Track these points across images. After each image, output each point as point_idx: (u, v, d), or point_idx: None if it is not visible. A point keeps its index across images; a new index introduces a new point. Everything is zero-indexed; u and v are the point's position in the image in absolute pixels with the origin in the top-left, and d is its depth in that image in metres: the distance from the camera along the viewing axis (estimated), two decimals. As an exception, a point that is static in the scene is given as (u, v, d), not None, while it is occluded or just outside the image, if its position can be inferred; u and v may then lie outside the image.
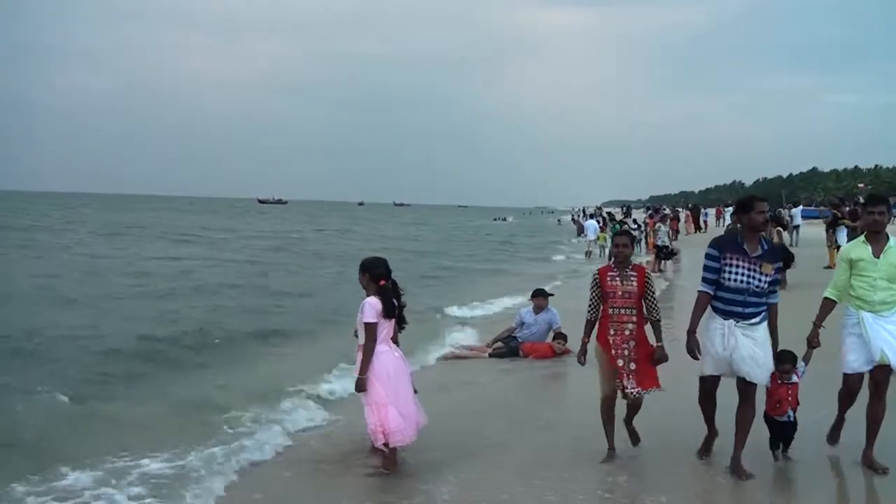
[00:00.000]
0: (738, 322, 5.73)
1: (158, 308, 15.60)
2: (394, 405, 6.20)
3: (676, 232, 34.53)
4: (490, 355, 11.39)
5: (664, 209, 46.74)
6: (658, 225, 26.52)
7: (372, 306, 6.26)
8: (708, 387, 6.06)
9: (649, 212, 45.04)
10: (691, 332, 5.86)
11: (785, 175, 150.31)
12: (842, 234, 22.41)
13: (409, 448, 6.49)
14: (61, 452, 6.81)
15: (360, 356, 6.31)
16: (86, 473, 6.26)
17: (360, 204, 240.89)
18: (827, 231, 22.75)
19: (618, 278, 6.20)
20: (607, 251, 28.68)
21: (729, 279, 5.76)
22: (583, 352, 6.41)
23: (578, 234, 44.48)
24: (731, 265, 5.76)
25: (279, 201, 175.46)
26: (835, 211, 24.39)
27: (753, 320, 5.76)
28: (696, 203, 70.54)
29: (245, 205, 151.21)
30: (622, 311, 6.15)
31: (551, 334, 11.36)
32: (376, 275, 6.42)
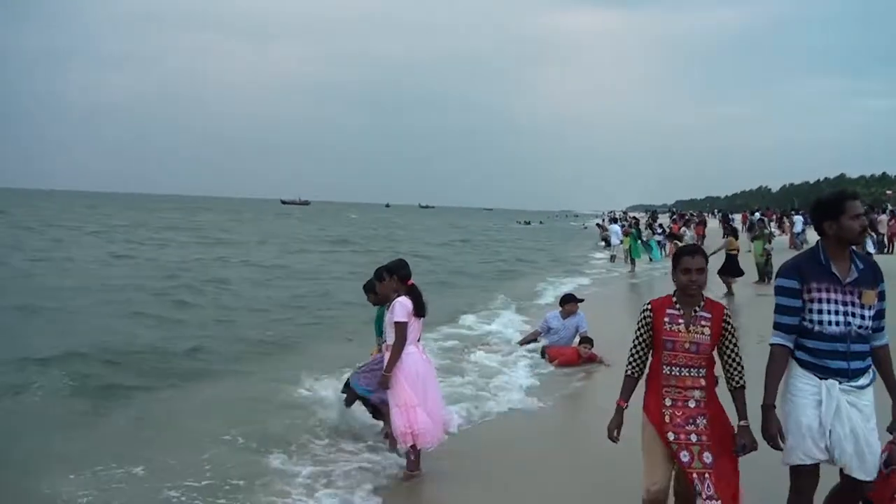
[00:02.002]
0: (841, 383, 3.91)
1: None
2: (422, 407, 6.17)
3: (702, 237, 34.35)
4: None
5: (691, 214, 46.62)
6: (683, 229, 26.42)
7: (403, 305, 6.25)
8: (805, 483, 4.05)
9: (673, 217, 44.90)
10: (769, 407, 3.97)
11: (812, 181, 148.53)
12: (868, 242, 22.37)
13: (432, 453, 6.47)
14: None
15: (387, 355, 6.30)
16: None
17: (387, 206, 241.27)
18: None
19: (682, 321, 4.15)
20: (630, 255, 28.62)
21: (820, 322, 3.95)
22: (617, 422, 4.29)
23: (605, 244, 43.96)
24: (819, 300, 3.97)
25: (304, 202, 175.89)
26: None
27: (861, 381, 3.95)
28: (722, 209, 70.36)
29: (270, 206, 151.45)
30: (686, 371, 4.14)
31: (577, 338, 11.37)
32: (403, 275, 6.45)
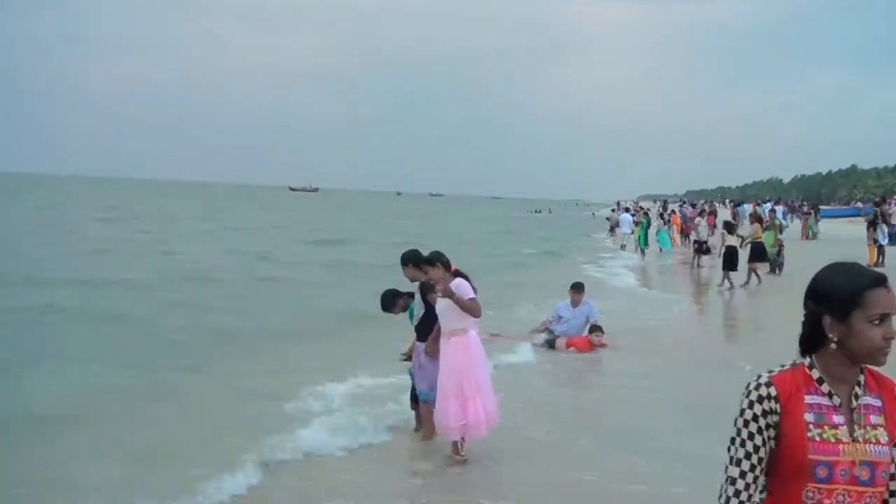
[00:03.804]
0: None
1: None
2: (480, 392, 6.10)
3: (714, 227, 34.39)
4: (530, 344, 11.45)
5: (704, 204, 46.55)
6: (698, 220, 26.47)
7: (466, 283, 6.12)
8: None
9: (683, 206, 44.88)
10: None
11: (824, 172, 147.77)
12: (880, 234, 22.28)
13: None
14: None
15: (459, 340, 6.12)
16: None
17: (398, 194, 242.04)
18: (868, 229, 22.60)
19: (839, 419, 2.08)
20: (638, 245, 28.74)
21: None
22: None
23: (611, 231, 43.82)
24: None
25: (314, 189, 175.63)
26: (876, 209, 24.21)
27: None
28: (734, 199, 70.37)
29: (278, 193, 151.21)
30: None
31: (587, 327, 11.38)
32: (446, 262, 6.35)
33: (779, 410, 2.06)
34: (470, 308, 6.02)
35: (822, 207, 47.85)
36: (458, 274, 6.23)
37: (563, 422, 7.71)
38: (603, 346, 10.96)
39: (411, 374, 6.99)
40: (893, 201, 38.78)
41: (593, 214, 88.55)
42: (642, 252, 28.14)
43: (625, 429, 7.30)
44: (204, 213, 54.95)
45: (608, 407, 8.42)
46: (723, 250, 18.77)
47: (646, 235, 28.82)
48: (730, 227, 19.56)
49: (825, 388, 2.08)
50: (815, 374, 2.10)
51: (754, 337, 13.24)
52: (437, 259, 6.28)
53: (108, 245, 26.52)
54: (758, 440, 2.07)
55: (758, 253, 18.91)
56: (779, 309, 15.69)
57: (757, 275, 18.47)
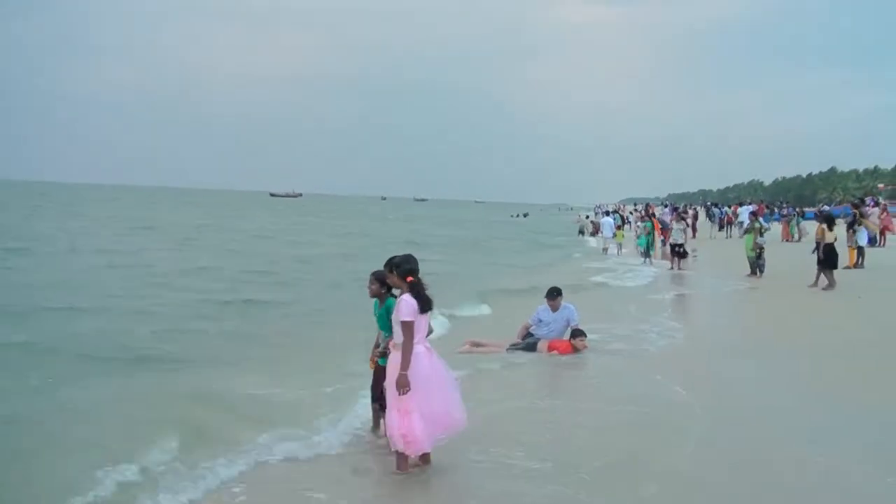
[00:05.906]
0: None
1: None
2: (419, 412, 5.97)
3: (694, 230, 34.55)
4: (507, 350, 11.37)
5: (684, 207, 46.86)
6: (673, 223, 26.59)
7: (408, 303, 6.01)
8: None
9: (667, 208, 45.40)
10: None
11: (804, 175, 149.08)
12: (862, 235, 22.36)
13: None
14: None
15: (396, 354, 6.08)
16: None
17: (383, 199, 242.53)
18: (847, 231, 22.68)
19: None
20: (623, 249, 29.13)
21: None
22: None
23: (594, 234, 44.02)
24: None
25: (297, 195, 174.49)
26: (855, 210, 24.33)
27: None
28: (716, 202, 71.05)
29: (259, 199, 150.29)
30: None
31: (569, 331, 11.33)
32: (405, 271, 6.14)
33: None
34: (404, 345, 6.02)
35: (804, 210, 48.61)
36: (413, 286, 6.10)
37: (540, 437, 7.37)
38: (585, 347, 10.93)
39: None
40: (872, 202, 39.19)
41: (587, 217, 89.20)
42: (649, 256, 27.45)
43: (601, 442, 7.13)
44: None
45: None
46: (821, 248, 17.95)
47: (650, 241, 28.22)
48: (830, 223, 18.41)
49: None
50: None
51: (757, 341, 12.54)
52: (395, 266, 6.21)
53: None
54: None
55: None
56: (768, 311, 15.83)
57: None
